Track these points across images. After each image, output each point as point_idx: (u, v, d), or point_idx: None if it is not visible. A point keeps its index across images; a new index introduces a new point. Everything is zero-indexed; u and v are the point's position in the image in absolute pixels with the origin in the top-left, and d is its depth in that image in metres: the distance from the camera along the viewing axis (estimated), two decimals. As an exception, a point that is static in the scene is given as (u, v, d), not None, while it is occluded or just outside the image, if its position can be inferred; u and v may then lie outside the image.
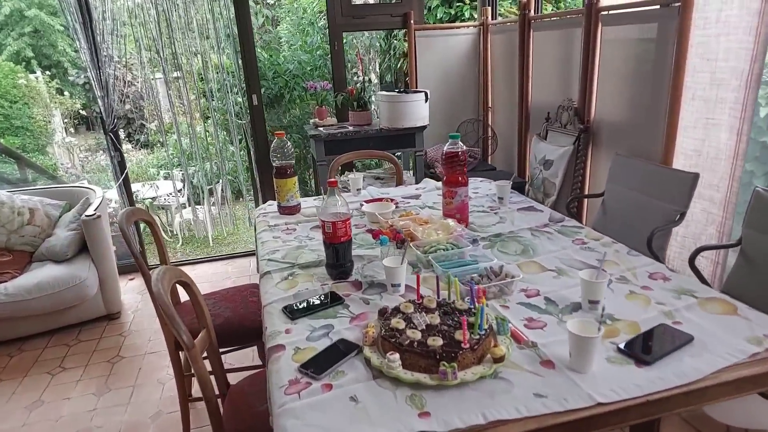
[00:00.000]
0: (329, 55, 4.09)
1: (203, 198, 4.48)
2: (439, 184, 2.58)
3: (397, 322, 1.17)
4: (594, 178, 2.91)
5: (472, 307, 1.24)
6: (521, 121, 3.57)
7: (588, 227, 1.90)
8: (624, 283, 1.47)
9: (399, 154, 3.92)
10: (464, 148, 1.91)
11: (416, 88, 3.94)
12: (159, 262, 2.08)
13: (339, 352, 1.18)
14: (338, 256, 1.56)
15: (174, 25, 3.63)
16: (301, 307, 1.42)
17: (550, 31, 3.16)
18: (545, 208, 2.15)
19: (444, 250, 1.67)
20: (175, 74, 3.80)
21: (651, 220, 2.27)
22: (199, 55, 3.81)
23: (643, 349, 1.15)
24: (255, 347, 2.47)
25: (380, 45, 5.46)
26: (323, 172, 3.58)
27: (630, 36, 2.50)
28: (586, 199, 3.00)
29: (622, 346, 1.16)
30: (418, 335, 1.13)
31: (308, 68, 5.21)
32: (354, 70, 5.49)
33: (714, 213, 2.11)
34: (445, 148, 1.91)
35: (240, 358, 2.64)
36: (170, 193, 5.25)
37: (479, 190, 2.50)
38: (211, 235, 4.74)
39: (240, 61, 3.74)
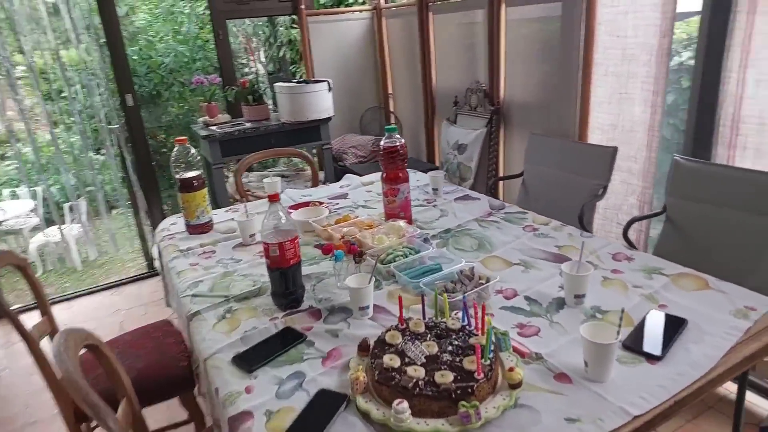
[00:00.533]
0: (211, 45, 3.67)
1: (65, 217, 3.81)
2: (365, 179, 2.41)
3: (391, 359, 0.99)
4: (509, 158, 2.92)
5: (466, 324, 1.10)
6: (427, 107, 3.50)
7: (532, 212, 1.85)
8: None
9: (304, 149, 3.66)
10: (402, 141, 1.75)
11: (313, 77, 3.69)
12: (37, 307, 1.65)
13: (325, 408, 0.96)
14: (288, 283, 1.32)
15: (5, 14, 2.98)
16: (255, 354, 1.16)
17: (451, 13, 3.10)
18: (481, 195, 2.08)
19: (402, 256, 1.50)
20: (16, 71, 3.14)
21: (574, 196, 2.30)
22: (46, 51, 3.19)
23: (647, 342, 1.09)
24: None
25: (263, 33, 5.07)
26: (220, 178, 3.22)
27: (535, 15, 2.50)
28: (501, 181, 3.01)
29: (626, 342, 1.09)
30: (421, 372, 0.95)
31: (185, 60, 4.67)
32: (242, 61, 5.04)
33: (634, 183, 2.20)
34: (382, 143, 1.74)
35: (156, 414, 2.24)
36: (20, 215, 4.39)
37: (407, 182, 2.36)
38: (79, 259, 4.02)
39: (105, 57, 3.19)
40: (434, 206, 2.01)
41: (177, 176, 1.85)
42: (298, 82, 3.40)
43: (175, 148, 1.83)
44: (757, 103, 1.70)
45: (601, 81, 2.22)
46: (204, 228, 1.91)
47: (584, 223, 2.17)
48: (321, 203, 2.06)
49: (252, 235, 1.79)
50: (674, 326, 1.13)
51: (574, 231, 1.67)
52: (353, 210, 2.03)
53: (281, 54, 5.05)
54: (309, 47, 3.64)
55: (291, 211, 2.00)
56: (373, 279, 1.27)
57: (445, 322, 1.10)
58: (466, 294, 1.23)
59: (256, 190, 3.32)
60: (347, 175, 2.52)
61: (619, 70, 2.14)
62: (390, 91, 4.00)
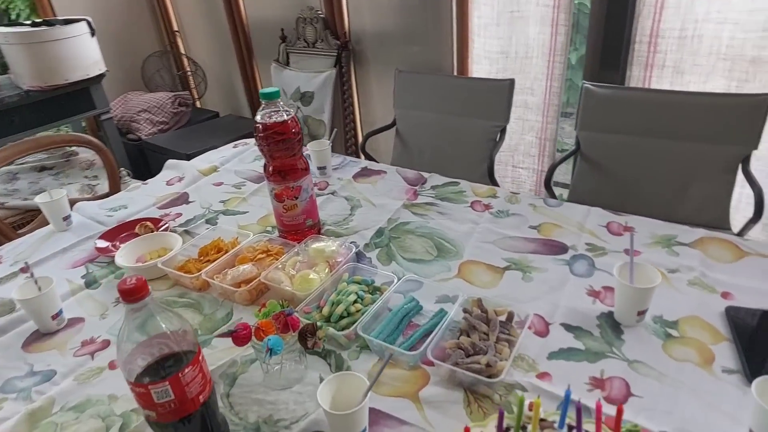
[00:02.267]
0: None
1: None
2: (199, 163, 1.66)
3: None
4: (370, 106, 2.42)
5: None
6: (239, 46, 2.72)
7: (465, 181, 1.43)
8: (600, 253, 1.08)
9: (68, 127, 2.57)
10: (291, 113, 1.12)
11: (55, 16, 2.54)
12: None
13: None
14: (205, 436, 0.68)
15: None
16: None
17: None
18: (386, 167, 1.57)
19: (357, 301, 0.94)
20: None
21: (467, 143, 1.96)
22: None
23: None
24: None
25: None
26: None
27: None
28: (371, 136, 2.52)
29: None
30: None
31: None
32: None
33: (531, 119, 1.93)
34: (259, 118, 1.08)
35: None
36: None
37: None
38: None
39: None
40: (333, 194, 1.44)
41: None
42: (35, 25, 2.29)
43: None
44: (678, 14, 1.51)
45: (483, -1, 1.84)
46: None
47: (494, 176, 1.86)
48: (158, 221, 1.31)
49: (55, 316, 1.00)
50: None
51: (533, 200, 1.31)
52: (214, 225, 1.34)
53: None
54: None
55: (107, 247, 1.22)
56: (368, 390, 0.71)
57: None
58: (477, 351, 0.76)
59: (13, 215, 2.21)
60: (171, 161, 1.73)
61: (506, -17, 1.77)
62: (176, 27, 3.05)
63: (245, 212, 1.38)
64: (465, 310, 0.90)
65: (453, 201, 1.33)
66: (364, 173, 1.54)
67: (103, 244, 1.25)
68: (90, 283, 1.13)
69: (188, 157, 1.98)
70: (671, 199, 1.62)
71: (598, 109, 1.68)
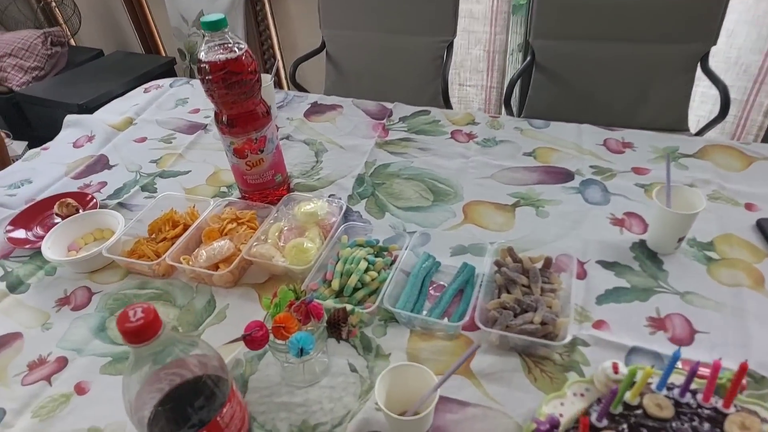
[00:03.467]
0: None
1: None
2: (106, 115, 1.35)
3: None
4: (286, 28, 2.12)
5: (692, 398, 0.57)
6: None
7: (438, 109, 1.28)
8: (609, 176, 1.01)
9: None
10: (243, 45, 0.88)
11: None
12: None
13: None
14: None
15: None
16: None
17: None
18: (339, 100, 1.37)
19: (369, 268, 0.80)
20: None
21: (411, 64, 1.78)
22: None
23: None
24: None
25: None
26: None
27: None
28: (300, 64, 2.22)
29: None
30: None
31: None
32: None
33: (477, 31, 1.77)
34: (204, 56, 0.84)
35: None
36: None
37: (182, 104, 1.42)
38: None
39: None
40: (287, 138, 1.23)
41: None
42: None
43: None
44: None
45: None
46: None
47: (449, 99, 1.71)
48: (84, 197, 1.04)
49: None
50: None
51: (517, 122, 1.20)
52: (152, 192, 1.09)
53: None
54: None
55: (25, 238, 0.96)
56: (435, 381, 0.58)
57: (642, 408, 0.55)
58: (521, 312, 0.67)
59: None
60: (71, 117, 1.38)
61: None
62: (27, -54, 2.44)
63: (187, 171, 1.14)
64: (497, 263, 0.79)
65: (430, 133, 1.19)
66: (317, 110, 1.33)
67: (18, 233, 0.97)
68: (14, 286, 0.87)
69: (85, 109, 1.62)
70: (632, 104, 1.59)
71: (550, 15, 1.57)
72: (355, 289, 0.78)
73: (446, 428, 0.63)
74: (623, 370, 0.59)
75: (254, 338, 0.62)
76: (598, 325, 0.73)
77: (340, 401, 0.67)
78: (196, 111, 1.37)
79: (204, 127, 1.29)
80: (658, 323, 0.72)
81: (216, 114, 0.92)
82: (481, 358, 0.70)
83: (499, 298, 0.75)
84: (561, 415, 0.59)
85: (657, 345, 0.69)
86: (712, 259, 0.81)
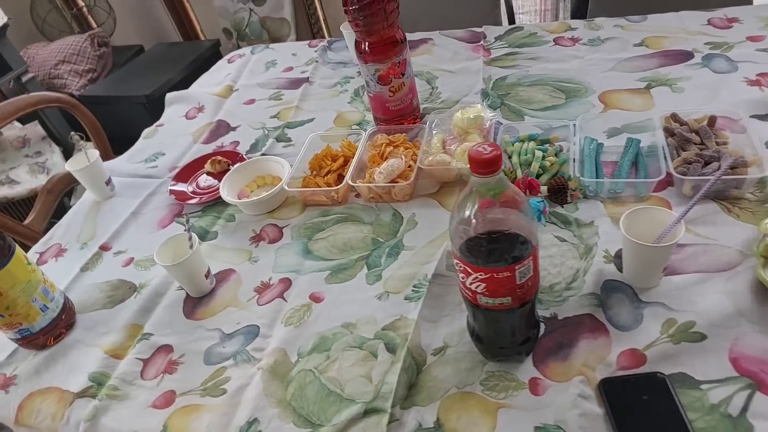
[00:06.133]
0: None
1: None
2: (209, 88, 1.41)
3: None
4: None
5: None
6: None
7: (525, 23, 1.31)
8: (727, 48, 1.05)
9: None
10: (383, -32, 0.92)
11: None
12: None
13: None
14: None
15: None
16: None
17: None
18: (424, 34, 1.41)
19: (544, 156, 0.85)
20: None
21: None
22: None
23: None
24: None
25: None
26: None
27: None
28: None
29: None
30: None
31: None
32: None
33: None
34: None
35: None
36: None
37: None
38: None
39: None
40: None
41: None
42: None
43: None
44: None
45: None
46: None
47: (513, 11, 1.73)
48: (234, 154, 1.11)
49: (207, 274, 0.84)
50: None
51: (614, 20, 1.23)
52: (287, 142, 1.15)
53: None
54: None
55: (191, 191, 1.02)
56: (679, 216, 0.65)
57: None
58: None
59: None
60: (171, 95, 1.44)
61: None
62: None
63: (310, 119, 1.20)
64: (666, 129, 0.85)
65: (534, 45, 1.23)
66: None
67: (183, 187, 1.04)
68: (202, 236, 0.94)
69: (153, 99, 1.67)
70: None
71: None
72: (537, 176, 0.84)
73: (673, 266, 0.69)
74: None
75: (533, 182, 0.68)
76: (778, 163, 0.78)
77: (563, 265, 0.74)
78: (290, 69, 1.42)
79: (306, 79, 1.34)
80: (833, 153, 0.78)
81: (357, 44, 0.97)
82: (677, 209, 0.76)
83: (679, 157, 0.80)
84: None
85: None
86: None
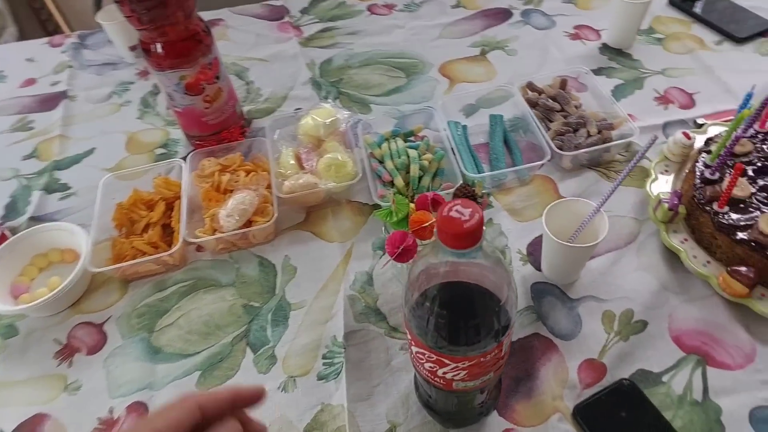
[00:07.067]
0: None
1: None
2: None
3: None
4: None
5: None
6: None
7: (329, -9, 1.15)
8: (537, 2, 1.05)
9: None
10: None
11: None
12: None
13: None
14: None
15: None
16: None
17: None
18: (214, 13, 1.14)
19: (430, 145, 0.74)
20: None
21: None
22: None
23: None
24: None
25: None
26: None
27: None
28: None
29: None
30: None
31: None
32: None
33: None
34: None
35: None
36: None
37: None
38: None
39: None
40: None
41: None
42: None
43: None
44: None
45: None
46: None
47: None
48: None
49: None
50: None
51: None
52: (64, 192, 0.82)
53: None
54: None
55: None
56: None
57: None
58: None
59: None
60: None
61: None
62: None
63: (90, 151, 0.86)
64: (528, 101, 0.80)
65: (347, 17, 1.08)
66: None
67: None
68: (-28, 378, 0.60)
69: None
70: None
71: None
72: (420, 177, 0.72)
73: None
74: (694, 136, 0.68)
75: (408, 248, 0.55)
76: (631, 119, 0.80)
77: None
78: (32, 81, 1.02)
79: (64, 93, 0.98)
80: (663, 99, 0.83)
81: (145, 49, 0.70)
82: (562, 185, 0.73)
83: (548, 130, 0.77)
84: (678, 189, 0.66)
85: (676, 115, 0.80)
86: (660, 39, 0.94)
